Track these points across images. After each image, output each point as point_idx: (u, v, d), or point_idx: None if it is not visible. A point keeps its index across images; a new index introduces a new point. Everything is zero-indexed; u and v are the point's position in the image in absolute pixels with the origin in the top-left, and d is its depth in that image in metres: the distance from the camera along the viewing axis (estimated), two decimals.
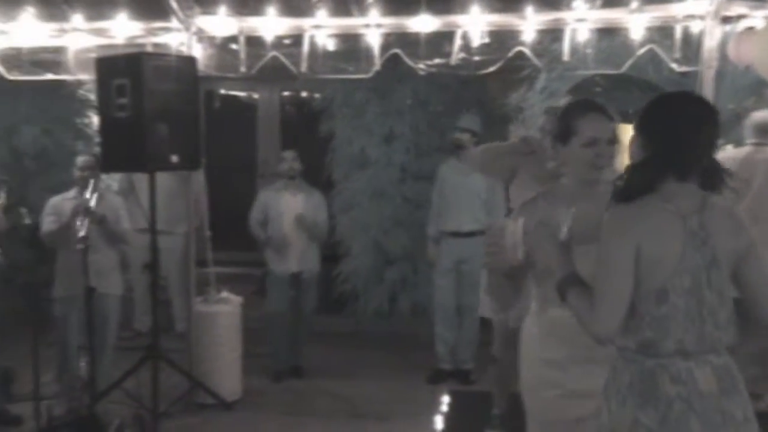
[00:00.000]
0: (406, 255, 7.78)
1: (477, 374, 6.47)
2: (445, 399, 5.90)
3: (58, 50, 6.33)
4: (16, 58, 6.32)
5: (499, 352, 5.11)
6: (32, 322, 4.90)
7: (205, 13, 5.96)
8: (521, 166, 4.38)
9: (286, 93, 10.34)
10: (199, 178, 6.32)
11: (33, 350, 4.89)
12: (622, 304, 2.50)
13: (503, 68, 6.04)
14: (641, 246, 2.49)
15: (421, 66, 6.07)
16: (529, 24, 5.81)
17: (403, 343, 7.35)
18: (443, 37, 5.97)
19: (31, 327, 4.89)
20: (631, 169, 2.61)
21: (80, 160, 5.71)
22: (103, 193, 5.72)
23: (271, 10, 5.89)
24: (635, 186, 2.55)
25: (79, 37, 6.18)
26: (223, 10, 5.92)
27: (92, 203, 5.30)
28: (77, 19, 6.09)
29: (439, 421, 5.56)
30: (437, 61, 6.07)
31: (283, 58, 6.05)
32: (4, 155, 7.96)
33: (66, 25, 6.12)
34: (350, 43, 6.06)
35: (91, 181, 5.46)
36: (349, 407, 6.03)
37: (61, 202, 5.63)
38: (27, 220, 4.99)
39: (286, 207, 6.55)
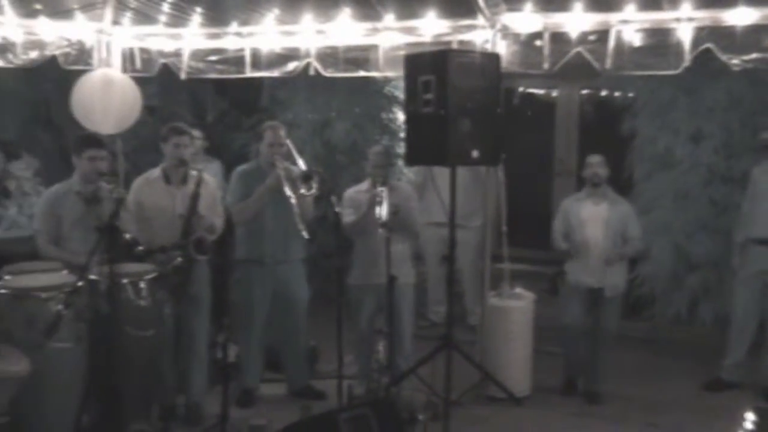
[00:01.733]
0: (710, 261, 7.35)
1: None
2: (750, 416, 5.49)
3: (370, 48, 6.67)
4: (332, 56, 6.73)
5: None
6: (337, 305, 5.18)
7: (511, 9, 6.00)
8: None
9: (585, 91, 10.16)
10: (498, 174, 6.36)
11: (337, 332, 5.17)
12: None
13: None
14: None
15: (736, 61, 5.69)
16: None
17: (703, 352, 6.94)
18: (763, 31, 5.56)
19: (336, 310, 5.17)
20: None
21: (373, 153, 5.96)
22: (394, 184, 5.95)
23: (578, 6, 5.81)
24: None
25: (390, 36, 6.46)
26: (528, 6, 5.93)
27: (385, 194, 5.53)
28: (389, 18, 6.38)
29: None
30: (755, 56, 5.66)
31: (587, 55, 5.93)
32: (317, 148, 8.53)
33: (378, 24, 6.43)
34: (659, 38, 5.81)
35: (383, 172, 5.72)
36: (641, 414, 5.82)
37: (356, 194, 5.92)
38: (337, 209, 5.28)
39: (589, 216, 6.08)
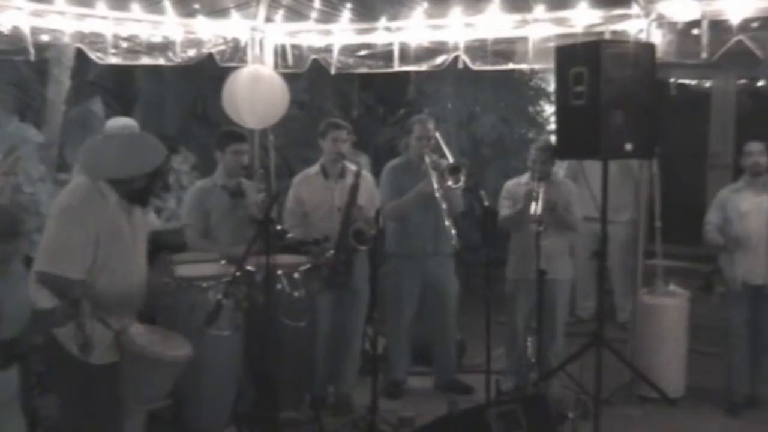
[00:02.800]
0: None
1: None
2: None
3: (519, 40, 6.58)
4: (480, 49, 6.69)
5: None
6: (485, 299, 5.15)
7: None
8: None
9: (741, 81, 9.71)
10: (651, 167, 6.16)
11: (486, 326, 5.14)
12: None
13: None
14: None
15: None
16: None
17: None
18: None
19: (484, 304, 5.14)
20: None
21: (535, 147, 5.88)
22: (555, 179, 5.85)
23: None
24: None
25: (540, 27, 6.36)
26: None
27: (542, 189, 5.46)
28: (539, 9, 6.28)
29: None
30: None
31: (749, 43, 5.65)
32: (463, 142, 8.51)
33: (528, 16, 6.34)
34: None
35: (543, 168, 5.64)
36: None
37: (515, 186, 5.85)
38: (486, 203, 5.25)
39: (750, 208, 5.71)
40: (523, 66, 6.94)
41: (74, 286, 3.51)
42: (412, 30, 6.88)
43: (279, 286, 4.75)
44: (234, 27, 7.08)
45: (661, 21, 5.88)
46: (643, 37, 5.88)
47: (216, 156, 5.46)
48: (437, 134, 5.95)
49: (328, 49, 7.24)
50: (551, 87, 8.58)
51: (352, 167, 5.58)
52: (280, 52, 7.36)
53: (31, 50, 5.89)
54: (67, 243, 3.63)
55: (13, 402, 3.22)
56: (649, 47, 5.56)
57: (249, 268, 4.68)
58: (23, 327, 3.18)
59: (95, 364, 3.65)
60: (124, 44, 6.44)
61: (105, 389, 3.73)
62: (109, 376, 3.74)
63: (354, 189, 5.40)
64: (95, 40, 6.30)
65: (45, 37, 6.06)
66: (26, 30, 5.84)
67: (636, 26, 5.99)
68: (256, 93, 6.77)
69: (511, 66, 6.88)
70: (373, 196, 5.64)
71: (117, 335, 3.67)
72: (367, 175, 5.69)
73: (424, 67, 7.02)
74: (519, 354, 5.80)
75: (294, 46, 7.35)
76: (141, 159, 3.82)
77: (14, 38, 5.83)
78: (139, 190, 3.87)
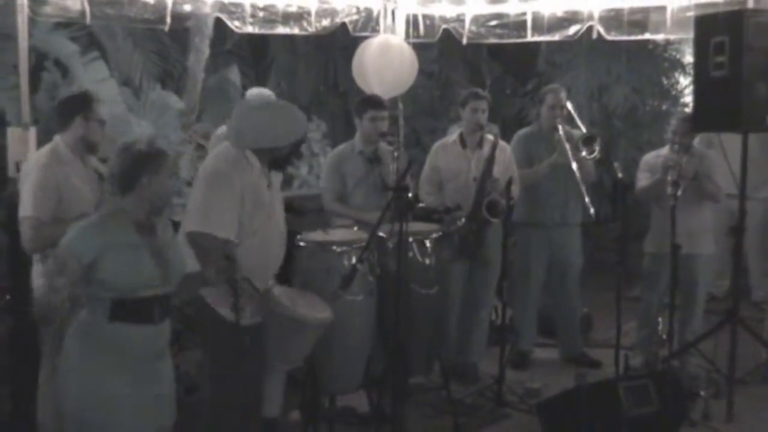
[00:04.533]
0: None
1: None
2: None
3: (656, 10, 6.42)
4: (615, 19, 6.55)
5: None
6: (617, 273, 5.08)
7: None
8: None
9: None
10: None
11: (616, 301, 5.08)
12: None
13: None
14: None
15: None
16: None
17: None
18: None
19: (615, 278, 5.07)
20: None
21: (676, 118, 5.74)
22: (696, 151, 5.70)
23: None
24: None
25: None
26: None
27: (684, 160, 5.33)
28: None
29: None
30: None
31: None
32: (594, 113, 8.37)
33: None
34: None
35: (684, 140, 5.51)
36: None
37: (655, 158, 5.73)
38: (620, 174, 5.16)
39: None
40: (660, 36, 6.78)
41: (224, 246, 3.66)
42: (546, 0, 6.79)
43: (410, 254, 4.80)
44: None
45: None
46: None
47: (354, 122, 5.54)
48: (569, 105, 5.88)
49: (459, 19, 7.22)
50: (686, 58, 8.36)
51: (490, 137, 5.58)
52: (412, 22, 7.37)
53: (168, 20, 6.10)
54: (218, 204, 3.78)
55: (166, 352, 3.41)
56: None
57: (381, 234, 4.75)
58: (175, 284, 3.35)
59: (243, 324, 3.82)
60: (261, 14, 6.58)
61: (252, 349, 3.87)
62: (256, 337, 3.89)
63: (490, 160, 5.40)
64: (234, 9, 6.47)
65: (187, 7, 6.27)
66: (169, 1, 6.06)
67: None
68: (385, 62, 6.82)
69: (647, 36, 6.75)
70: (509, 167, 5.61)
71: (264, 296, 3.81)
72: (504, 146, 5.66)
73: (557, 37, 6.95)
74: (651, 330, 5.71)
75: (426, 16, 7.35)
76: (288, 129, 3.95)
77: (157, 8, 6.05)
78: (281, 158, 4.00)
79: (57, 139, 4.30)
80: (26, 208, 4.08)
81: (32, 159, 4.43)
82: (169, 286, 3.28)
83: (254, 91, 5.99)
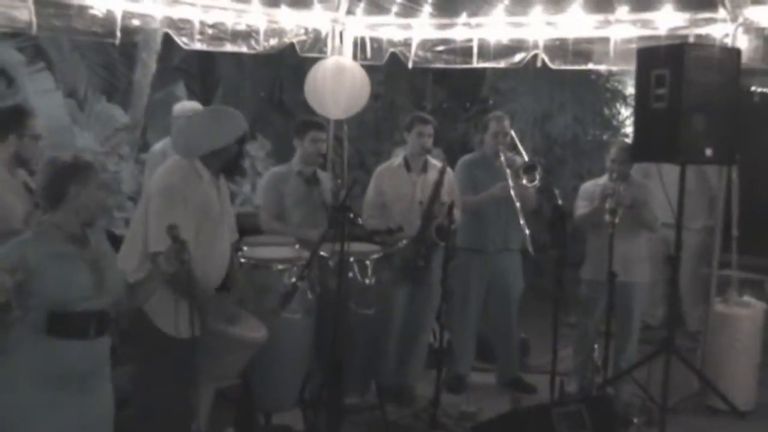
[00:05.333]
0: None
1: None
2: None
3: (600, 41, 6.52)
4: (560, 48, 6.64)
5: None
6: (554, 299, 5.13)
7: (756, 2, 5.69)
8: None
9: None
10: (731, 174, 6.06)
11: (553, 327, 5.11)
12: None
13: None
14: None
15: None
16: None
17: None
18: None
19: (552, 304, 5.11)
20: None
21: (615, 146, 5.83)
22: (633, 180, 5.80)
23: None
24: None
25: (623, 28, 6.29)
26: None
27: (621, 188, 5.42)
28: (623, 10, 6.22)
29: None
30: None
31: None
32: (537, 141, 8.48)
33: (611, 17, 6.28)
34: None
35: (621, 168, 5.60)
36: None
37: (593, 187, 5.81)
38: (559, 201, 5.22)
39: None
40: (603, 67, 6.90)
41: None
42: (492, 27, 6.86)
43: (350, 274, 4.80)
44: (316, 18, 7.14)
45: (749, 26, 5.78)
46: (728, 41, 5.79)
47: (294, 143, 5.53)
48: (512, 132, 5.95)
49: (406, 43, 7.26)
50: (628, 90, 8.52)
51: (436, 163, 5.61)
52: (360, 44, 7.40)
53: (118, 34, 6.03)
54: (173, 219, 3.74)
55: (104, 369, 3.33)
56: (735, 52, 5.46)
57: (322, 253, 4.74)
58: (116, 299, 3.29)
59: (177, 337, 3.76)
60: (210, 31, 6.55)
61: (184, 363, 3.81)
62: (188, 351, 3.83)
63: (438, 185, 5.44)
64: (183, 25, 6.42)
65: (135, 22, 6.20)
66: (118, 14, 5.99)
67: (722, 31, 5.90)
68: (339, 84, 6.84)
69: (590, 66, 6.86)
70: (453, 192, 5.65)
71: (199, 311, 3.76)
72: (450, 172, 5.70)
73: (502, 64, 7.01)
74: (586, 357, 5.76)
75: (373, 39, 7.38)
76: (230, 125, 3.98)
77: (106, 21, 5.98)
78: (231, 162, 3.99)
79: None
80: None
81: None
82: (105, 298, 3.21)
83: (182, 105, 6.00)
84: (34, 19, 5.60)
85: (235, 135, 3.96)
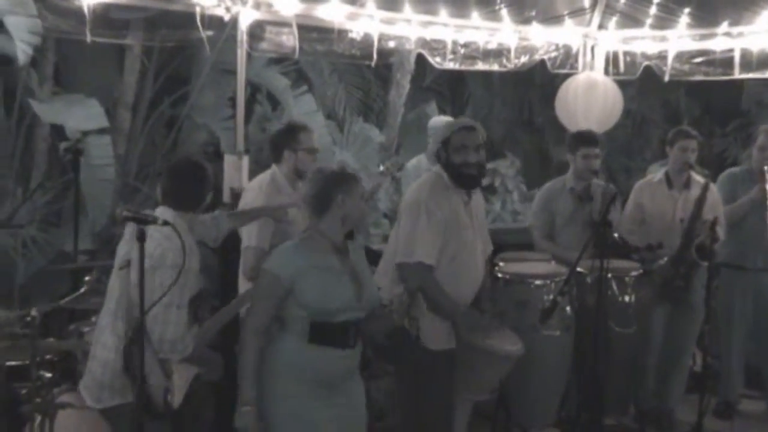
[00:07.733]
0: None
1: None
2: None
3: None
4: None
5: None
6: None
7: None
8: None
9: None
10: None
11: None
12: None
13: None
14: None
15: None
16: None
17: None
18: None
19: None
20: None
21: None
22: None
23: None
24: None
25: None
26: None
27: None
28: None
29: None
30: None
31: None
32: None
33: None
34: None
35: None
36: None
37: None
38: None
39: None
40: None
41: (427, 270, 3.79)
42: (756, 35, 6.53)
43: (609, 291, 4.71)
44: (566, 34, 7.12)
45: None
46: None
47: (567, 157, 5.50)
48: None
49: (662, 56, 7.06)
50: None
51: (699, 179, 5.35)
52: (612, 59, 7.29)
53: (375, 56, 6.34)
54: (418, 233, 3.88)
55: (356, 372, 3.49)
56: None
57: (580, 269, 4.68)
58: (370, 311, 3.44)
59: (434, 349, 3.88)
60: (462, 50, 6.73)
61: (442, 375, 3.93)
62: (446, 363, 3.94)
63: (700, 202, 5.17)
64: (436, 46, 6.64)
65: (391, 44, 6.49)
66: (375, 37, 6.29)
67: None
68: (591, 100, 6.78)
69: None
70: (717, 210, 5.34)
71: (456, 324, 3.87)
72: (713, 189, 5.43)
73: (767, 74, 6.64)
74: None
75: (626, 53, 7.24)
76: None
77: (364, 44, 6.30)
78: (460, 167, 4.01)
79: (274, 169, 4.52)
80: (251, 238, 4.30)
81: (254, 186, 4.61)
82: (363, 310, 3.37)
83: (438, 117, 6.47)
84: (297, 44, 6.01)
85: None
